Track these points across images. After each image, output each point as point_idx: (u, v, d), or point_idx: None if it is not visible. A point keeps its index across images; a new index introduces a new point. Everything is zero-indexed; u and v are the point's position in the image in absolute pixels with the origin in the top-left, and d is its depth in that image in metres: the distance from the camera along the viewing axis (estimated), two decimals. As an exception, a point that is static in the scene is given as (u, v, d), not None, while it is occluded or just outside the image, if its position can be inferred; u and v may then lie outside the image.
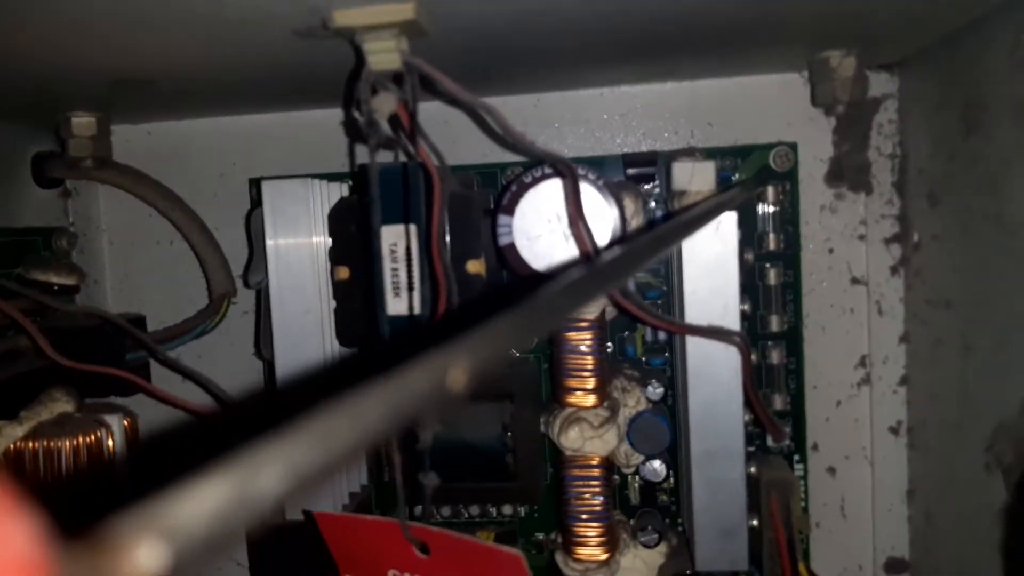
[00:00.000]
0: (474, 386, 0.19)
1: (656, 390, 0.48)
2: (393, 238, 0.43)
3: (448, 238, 0.43)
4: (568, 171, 0.36)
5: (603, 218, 0.41)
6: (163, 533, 0.10)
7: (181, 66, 0.40)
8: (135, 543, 0.10)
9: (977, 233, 0.40)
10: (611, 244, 0.42)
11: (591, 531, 0.45)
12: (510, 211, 0.42)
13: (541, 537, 0.51)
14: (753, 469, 0.46)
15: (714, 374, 0.43)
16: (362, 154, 0.50)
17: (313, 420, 0.14)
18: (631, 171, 0.47)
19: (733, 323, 0.42)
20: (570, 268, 0.32)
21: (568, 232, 0.41)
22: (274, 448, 0.12)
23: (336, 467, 0.14)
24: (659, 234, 0.23)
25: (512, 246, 0.42)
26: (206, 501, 0.11)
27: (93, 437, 0.43)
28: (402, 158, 0.42)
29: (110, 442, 0.44)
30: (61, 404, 0.43)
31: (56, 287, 0.47)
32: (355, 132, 0.51)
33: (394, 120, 0.35)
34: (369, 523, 0.34)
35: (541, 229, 0.42)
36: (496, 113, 0.31)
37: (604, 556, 0.45)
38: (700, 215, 0.32)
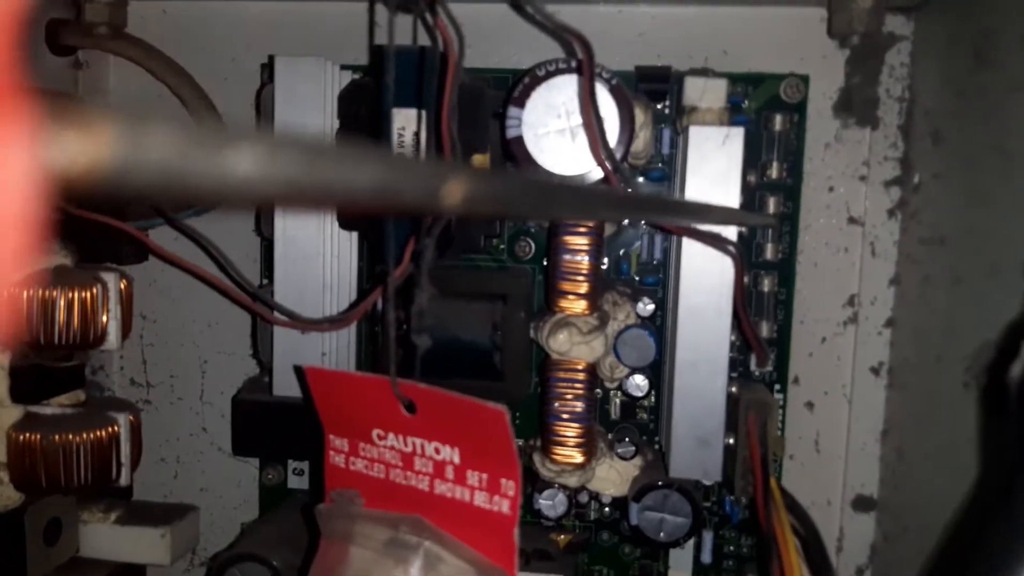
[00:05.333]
0: (465, 208, 0.19)
1: (647, 307, 0.48)
2: (402, 122, 0.43)
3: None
4: (584, 48, 0.36)
5: (612, 119, 0.42)
6: (123, 134, 0.10)
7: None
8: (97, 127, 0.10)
9: (978, 165, 0.41)
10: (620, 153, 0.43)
11: (570, 431, 0.46)
12: (520, 103, 0.42)
13: (520, 443, 0.51)
14: (734, 389, 0.47)
15: (706, 285, 0.43)
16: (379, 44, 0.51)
17: (307, 145, 0.14)
18: (644, 85, 0.47)
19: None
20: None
21: (576, 130, 0.42)
22: (262, 140, 0.12)
23: (304, 190, 0.14)
24: (670, 201, 0.23)
25: (519, 139, 0.42)
26: (177, 137, 0.11)
27: (89, 294, 0.43)
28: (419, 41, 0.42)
29: (105, 300, 0.44)
30: (59, 256, 0.44)
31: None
32: (372, 24, 0.51)
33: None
34: (358, 379, 0.35)
35: (550, 125, 0.42)
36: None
37: (580, 459, 0.46)
38: (709, 210, 0.33)
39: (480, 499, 0.33)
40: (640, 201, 0.34)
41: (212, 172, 0.11)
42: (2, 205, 0.09)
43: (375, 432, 0.35)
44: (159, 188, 0.11)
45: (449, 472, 0.34)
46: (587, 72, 0.37)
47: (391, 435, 0.35)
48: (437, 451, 0.34)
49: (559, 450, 0.46)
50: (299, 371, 0.36)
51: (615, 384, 0.50)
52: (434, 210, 0.17)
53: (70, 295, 0.43)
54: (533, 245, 0.50)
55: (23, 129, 0.09)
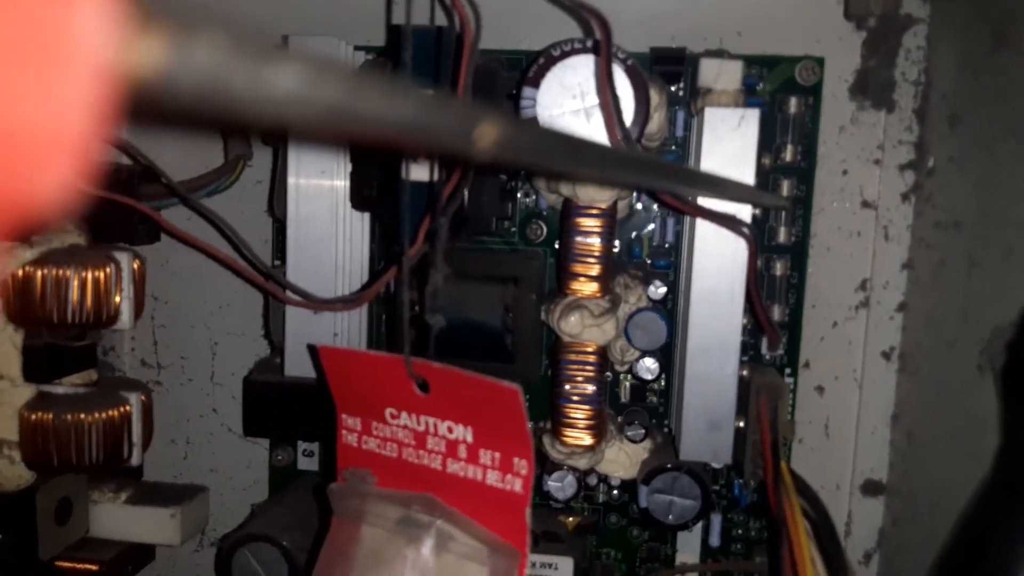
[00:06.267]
0: (496, 152, 0.19)
1: (658, 290, 0.48)
2: (416, 102, 0.43)
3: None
4: (602, 27, 0.36)
5: (627, 99, 0.41)
6: (174, 37, 0.10)
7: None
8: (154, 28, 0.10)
9: (994, 149, 0.40)
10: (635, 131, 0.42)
11: (580, 413, 0.46)
12: (535, 83, 0.42)
13: (531, 425, 0.51)
14: (745, 373, 0.47)
15: (719, 268, 0.43)
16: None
17: (351, 73, 0.14)
18: (658, 67, 0.47)
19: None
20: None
21: (591, 111, 0.41)
22: (309, 62, 0.12)
23: (343, 117, 0.14)
24: (690, 171, 0.23)
25: (534, 120, 0.42)
26: (226, 46, 0.11)
27: (102, 273, 0.43)
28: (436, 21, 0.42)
29: (118, 279, 0.44)
30: (72, 236, 0.44)
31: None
32: (389, 3, 0.50)
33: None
34: (372, 358, 0.35)
35: (564, 106, 0.42)
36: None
37: (590, 441, 0.46)
38: (726, 184, 0.33)
39: (493, 478, 0.33)
40: (662, 168, 0.34)
41: (257, 86, 0.11)
42: (68, 93, 0.09)
43: (388, 411, 0.35)
44: (204, 99, 0.11)
45: (462, 451, 0.34)
46: (605, 52, 0.37)
47: (404, 414, 0.35)
48: (450, 430, 0.34)
49: (569, 432, 0.46)
50: (312, 350, 0.36)
51: (625, 367, 0.50)
52: (465, 151, 0.16)
53: (83, 274, 0.43)
54: (545, 227, 0.50)
55: (96, 18, 0.09)
